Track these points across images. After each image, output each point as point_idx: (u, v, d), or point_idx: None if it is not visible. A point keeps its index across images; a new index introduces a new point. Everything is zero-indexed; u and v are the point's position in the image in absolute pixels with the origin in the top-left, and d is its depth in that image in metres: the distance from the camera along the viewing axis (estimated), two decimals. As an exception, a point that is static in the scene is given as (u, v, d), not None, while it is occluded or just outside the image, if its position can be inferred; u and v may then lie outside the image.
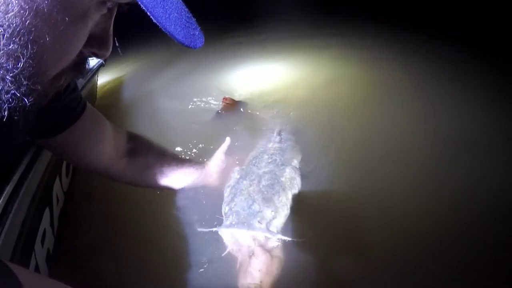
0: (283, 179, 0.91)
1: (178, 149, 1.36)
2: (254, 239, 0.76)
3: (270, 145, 1.10)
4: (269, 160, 0.98)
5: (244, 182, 0.88)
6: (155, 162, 0.96)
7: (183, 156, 1.23)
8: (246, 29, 3.07)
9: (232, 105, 1.62)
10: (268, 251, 0.75)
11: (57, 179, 1.07)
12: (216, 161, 1.04)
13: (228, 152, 1.07)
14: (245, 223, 0.75)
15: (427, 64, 1.94)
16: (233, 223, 0.76)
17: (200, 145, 1.38)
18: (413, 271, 0.84)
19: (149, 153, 0.97)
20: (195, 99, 1.97)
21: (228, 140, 1.08)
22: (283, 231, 0.81)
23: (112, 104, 2.19)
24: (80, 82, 1.50)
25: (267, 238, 0.76)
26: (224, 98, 1.64)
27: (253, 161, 0.99)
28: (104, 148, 0.85)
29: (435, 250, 0.88)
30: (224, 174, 1.02)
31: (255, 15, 3.25)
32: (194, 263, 0.89)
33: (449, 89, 1.63)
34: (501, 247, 0.87)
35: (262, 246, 0.75)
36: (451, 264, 0.84)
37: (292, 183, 0.92)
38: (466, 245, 0.89)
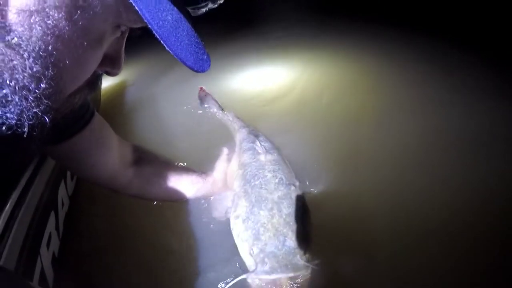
0: (300, 204, 0.85)
1: (182, 152, 1.37)
2: (291, 279, 0.69)
3: (261, 157, 1.00)
4: (276, 180, 0.89)
5: (262, 212, 0.80)
6: (162, 171, 0.96)
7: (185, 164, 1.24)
8: (245, 33, 3.09)
9: (205, 93, 1.84)
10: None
11: (62, 183, 1.08)
12: (220, 170, 1.03)
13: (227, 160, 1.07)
14: (287, 264, 0.69)
15: (427, 65, 1.93)
16: (275, 267, 0.69)
17: (204, 147, 1.39)
18: (417, 271, 0.84)
19: (155, 163, 0.97)
20: (197, 102, 1.99)
21: (225, 150, 1.08)
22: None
23: (116, 108, 2.21)
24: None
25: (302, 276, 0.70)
26: (200, 88, 1.88)
27: (256, 182, 0.89)
28: (111, 158, 0.85)
29: (439, 250, 0.88)
30: (228, 181, 1.01)
31: (255, 19, 3.27)
32: (200, 267, 0.90)
33: (450, 89, 1.63)
34: (504, 246, 0.87)
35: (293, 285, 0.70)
36: (455, 263, 0.85)
37: (305, 206, 0.87)
38: (470, 244, 0.89)
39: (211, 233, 0.97)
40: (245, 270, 0.75)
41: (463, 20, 2.35)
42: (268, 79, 2.19)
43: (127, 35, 0.46)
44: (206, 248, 0.94)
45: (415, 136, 1.33)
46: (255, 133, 1.22)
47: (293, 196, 0.86)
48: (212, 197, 1.00)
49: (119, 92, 2.51)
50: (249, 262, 0.75)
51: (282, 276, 0.68)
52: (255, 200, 0.84)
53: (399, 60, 2.05)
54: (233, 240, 0.84)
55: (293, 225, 0.77)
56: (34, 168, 0.81)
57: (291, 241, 0.73)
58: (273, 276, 0.68)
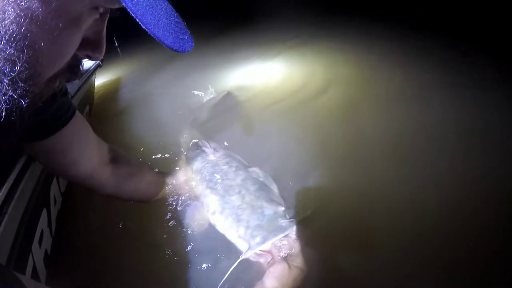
0: (261, 179, 0.92)
1: (178, 148, 1.36)
2: (276, 246, 0.74)
3: (211, 157, 1.05)
4: (233, 169, 0.95)
5: (233, 197, 0.85)
6: (136, 171, 0.99)
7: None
8: (243, 29, 3.08)
9: None
10: (286, 261, 0.72)
11: (54, 180, 1.07)
12: (182, 170, 1.09)
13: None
14: (274, 229, 0.74)
15: (424, 63, 1.93)
16: (265, 235, 0.73)
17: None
18: (417, 269, 0.84)
19: (131, 162, 1.00)
20: (193, 99, 1.98)
21: (183, 150, 1.14)
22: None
23: (109, 105, 2.20)
24: (77, 83, 1.50)
25: (288, 244, 0.75)
26: None
27: (217, 177, 0.94)
28: (90, 156, 0.86)
29: (438, 248, 0.88)
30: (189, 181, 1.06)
31: (252, 15, 3.25)
32: (195, 263, 0.89)
33: (446, 87, 1.63)
34: (504, 244, 0.87)
35: (281, 255, 0.73)
36: (455, 260, 0.84)
37: (267, 178, 0.94)
38: (470, 241, 0.88)
39: (206, 228, 0.97)
40: (241, 253, 0.77)
41: (465, 18, 2.35)
42: (268, 74, 2.19)
43: (107, 17, 0.45)
44: (202, 243, 0.94)
45: (414, 134, 1.33)
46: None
47: (254, 175, 0.93)
48: (187, 210, 1.01)
49: (113, 88, 2.49)
50: (241, 244, 0.78)
51: (275, 239, 0.73)
52: (222, 191, 0.89)
53: (401, 59, 2.05)
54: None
55: (264, 197, 0.84)
56: (24, 164, 0.79)
57: (269, 209, 0.80)
58: (268, 243, 0.73)
